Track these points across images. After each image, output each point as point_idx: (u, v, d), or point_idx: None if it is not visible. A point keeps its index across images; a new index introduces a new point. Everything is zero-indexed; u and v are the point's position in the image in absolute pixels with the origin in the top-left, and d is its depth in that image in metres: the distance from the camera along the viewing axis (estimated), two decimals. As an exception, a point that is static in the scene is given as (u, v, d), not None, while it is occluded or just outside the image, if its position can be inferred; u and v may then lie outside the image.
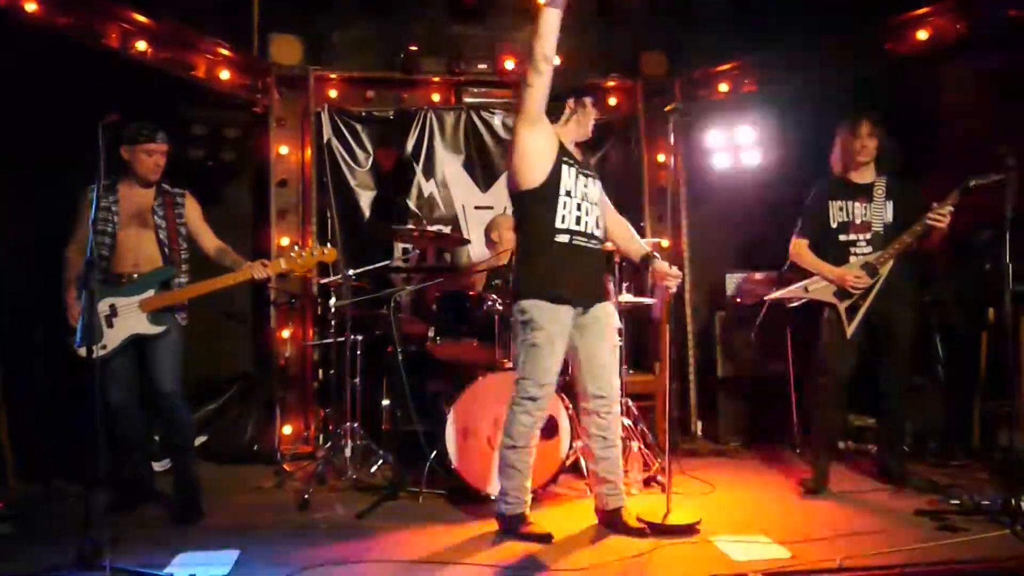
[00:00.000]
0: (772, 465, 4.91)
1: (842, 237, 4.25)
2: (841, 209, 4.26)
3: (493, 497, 4.03)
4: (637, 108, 6.25)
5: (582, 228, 3.53)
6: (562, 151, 3.54)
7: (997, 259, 3.66)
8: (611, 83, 6.35)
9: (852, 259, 4.20)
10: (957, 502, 3.71)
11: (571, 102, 3.65)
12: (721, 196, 6.13)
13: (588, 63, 6.34)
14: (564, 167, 3.50)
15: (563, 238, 3.49)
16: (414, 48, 5.96)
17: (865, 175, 4.27)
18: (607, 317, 3.65)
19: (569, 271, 3.49)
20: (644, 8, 6.34)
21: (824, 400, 4.25)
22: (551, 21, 3.27)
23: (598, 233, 3.62)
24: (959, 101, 5.44)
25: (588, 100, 3.70)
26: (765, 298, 4.76)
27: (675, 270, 3.68)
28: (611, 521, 3.61)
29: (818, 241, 4.34)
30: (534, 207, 3.53)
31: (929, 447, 5.01)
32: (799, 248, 4.37)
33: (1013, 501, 3.40)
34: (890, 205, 4.19)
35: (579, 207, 3.52)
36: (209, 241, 4.13)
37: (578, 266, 3.52)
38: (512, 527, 3.55)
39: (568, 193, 3.49)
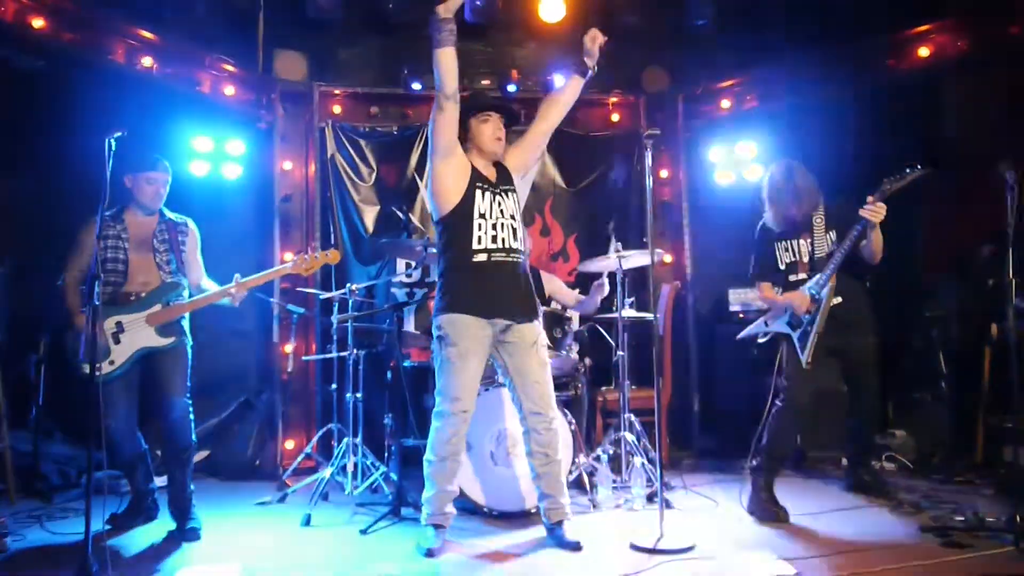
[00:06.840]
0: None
1: (792, 277, 4.19)
2: (787, 250, 4.23)
3: (495, 512, 4.03)
4: (640, 124, 6.27)
5: (499, 245, 3.57)
6: (475, 176, 3.62)
7: (1000, 274, 3.66)
8: (614, 99, 6.39)
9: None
10: (962, 518, 3.69)
11: (472, 121, 3.70)
12: (724, 211, 6.14)
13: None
14: (477, 192, 3.59)
15: (481, 257, 3.55)
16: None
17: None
18: (534, 336, 3.64)
19: (487, 285, 3.54)
20: (647, 25, 6.38)
21: (779, 425, 4.07)
22: (442, 60, 3.44)
23: (516, 245, 3.63)
24: (961, 117, 5.46)
25: (476, 119, 3.70)
26: (737, 337, 4.60)
27: None
28: (553, 533, 3.63)
29: (772, 281, 4.33)
30: (452, 231, 3.61)
31: (933, 463, 5.00)
32: (762, 291, 4.35)
33: (1018, 517, 3.38)
34: (832, 234, 4.10)
35: (494, 226, 3.57)
36: (196, 276, 4.12)
37: (497, 280, 3.56)
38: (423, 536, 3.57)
39: (482, 215, 3.57)
